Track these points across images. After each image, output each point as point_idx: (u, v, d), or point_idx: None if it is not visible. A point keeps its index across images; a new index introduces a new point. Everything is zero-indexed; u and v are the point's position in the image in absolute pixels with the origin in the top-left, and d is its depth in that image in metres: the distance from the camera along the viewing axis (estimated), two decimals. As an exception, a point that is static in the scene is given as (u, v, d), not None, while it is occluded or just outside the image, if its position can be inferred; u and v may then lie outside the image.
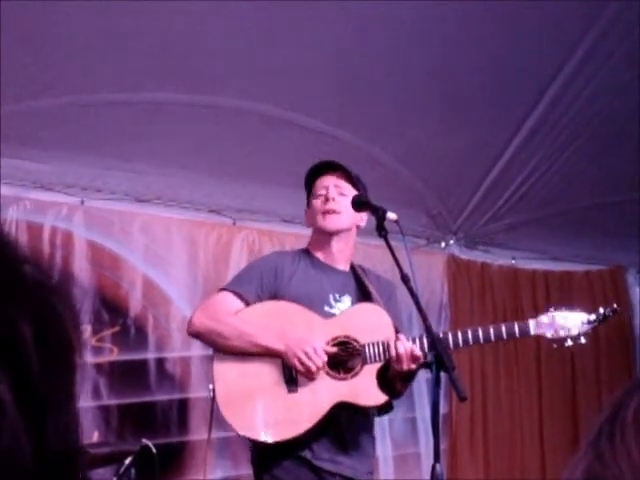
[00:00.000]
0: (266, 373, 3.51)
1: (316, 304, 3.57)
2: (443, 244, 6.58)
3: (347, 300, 3.64)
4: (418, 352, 3.41)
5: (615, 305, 3.73)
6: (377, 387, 3.49)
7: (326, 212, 3.64)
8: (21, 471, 0.57)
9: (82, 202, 5.40)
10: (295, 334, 3.49)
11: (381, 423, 5.97)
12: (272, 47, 4.79)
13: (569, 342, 3.68)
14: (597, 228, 6.30)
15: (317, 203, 3.67)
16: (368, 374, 3.49)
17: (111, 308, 5.36)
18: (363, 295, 3.67)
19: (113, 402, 5.28)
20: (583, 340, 3.69)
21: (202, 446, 5.49)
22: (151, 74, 4.83)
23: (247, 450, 3.69)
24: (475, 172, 5.96)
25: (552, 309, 3.70)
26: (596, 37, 4.85)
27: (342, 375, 3.50)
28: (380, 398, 3.50)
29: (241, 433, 3.48)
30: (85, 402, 5.04)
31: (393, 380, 3.54)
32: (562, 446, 6.57)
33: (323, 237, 3.69)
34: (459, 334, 3.58)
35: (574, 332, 3.68)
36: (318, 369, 3.45)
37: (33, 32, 4.45)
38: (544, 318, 3.70)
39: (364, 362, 3.49)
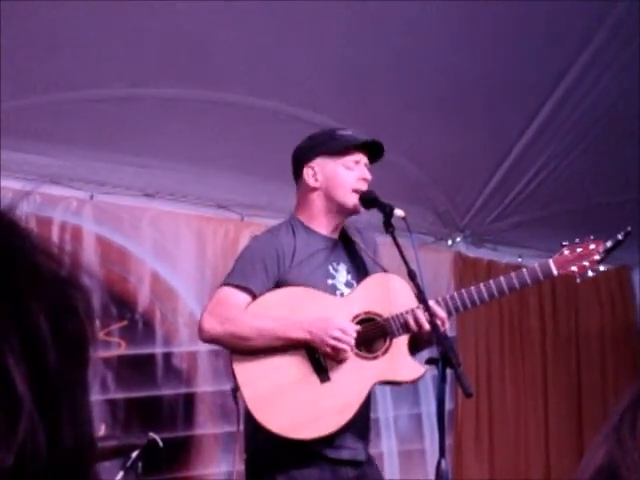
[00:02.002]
0: (292, 366, 3.32)
1: (320, 281, 3.43)
2: (450, 242, 6.59)
3: (342, 269, 3.50)
4: (442, 314, 3.29)
5: (629, 228, 3.62)
6: (412, 359, 3.38)
7: (359, 191, 3.47)
8: (36, 465, 0.57)
9: (91, 197, 5.41)
10: (315, 317, 3.32)
11: (386, 419, 5.99)
12: (281, 44, 4.81)
13: (590, 273, 3.58)
14: (603, 227, 6.28)
15: (349, 176, 3.48)
16: (399, 347, 3.36)
17: (119, 302, 5.38)
18: (355, 260, 3.55)
19: (120, 396, 5.30)
20: (602, 268, 3.61)
21: (208, 440, 5.52)
22: (161, 70, 4.85)
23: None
24: (483, 170, 5.97)
25: (564, 244, 3.58)
26: (604, 37, 4.86)
27: (373, 354, 3.36)
28: (418, 370, 3.38)
29: (283, 435, 3.24)
30: (92, 396, 5.02)
31: (427, 345, 3.42)
32: (567, 442, 6.59)
33: (335, 209, 3.52)
34: (482, 287, 3.42)
35: (596, 260, 3.57)
36: (352, 348, 3.29)
37: (44, 27, 4.47)
38: (564, 253, 3.56)
39: (392, 336, 3.35)
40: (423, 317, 3.28)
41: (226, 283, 3.42)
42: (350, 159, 3.50)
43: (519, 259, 6.78)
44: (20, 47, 4.47)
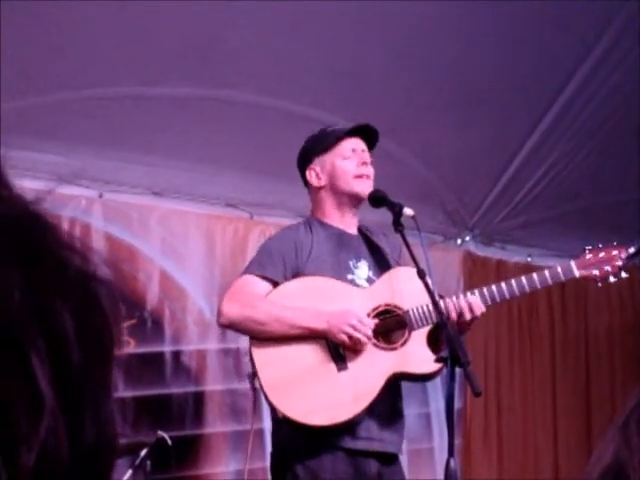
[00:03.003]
0: (311, 354, 3.34)
1: (338, 275, 3.44)
2: (459, 241, 6.58)
3: (364, 265, 3.51)
4: (480, 305, 3.35)
5: None
6: (430, 352, 3.36)
7: (363, 176, 3.51)
8: (58, 465, 0.56)
9: (100, 195, 5.42)
10: (333, 308, 3.34)
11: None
12: (290, 44, 4.81)
13: (612, 279, 3.59)
14: (613, 226, 6.28)
15: (348, 165, 3.51)
16: (418, 340, 3.37)
17: (128, 301, 5.38)
18: (377, 257, 3.57)
19: (129, 394, 5.30)
20: (624, 275, 3.62)
21: (217, 439, 5.53)
22: (170, 69, 4.85)
23: (261, 443, 3.56)
24: (492, 169, 5.96)
25: (588, 248, 3.60)
26: (613, 36, 4.86)
27: (391, 345, 3.37)
28: (435, 364, 3.33)
29: (298, 420, 3.25)
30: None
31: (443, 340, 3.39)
32: (575, 441, 6.57)
33: (345, 201, 3.55)
34: (503, 286, 3.47)
35: (618, 266, 3.58)
36: (368, 339, 3.31)
37: (54, 26, 4.48)
38: (586, 257, 3.58)
39: (411, 328, 3.36)
40: (450, 305, 3.31)
41: (246, 272, 3.46)
42: (345, 149, 3.55)
43: (528, 258, 6.78)
44: (29, 46, 4.48)
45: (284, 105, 5.17)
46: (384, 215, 3.55)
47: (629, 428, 0.99)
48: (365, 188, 3.51)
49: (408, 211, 3.39)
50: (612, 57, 5.01)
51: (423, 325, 3.38)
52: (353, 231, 3.61)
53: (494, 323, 6.50)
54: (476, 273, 6.55)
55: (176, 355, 5.52)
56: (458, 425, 6.05)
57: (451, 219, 6.40)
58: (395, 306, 3.42)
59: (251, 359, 3.39)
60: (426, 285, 3.21)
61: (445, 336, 3.15)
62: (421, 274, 3.22)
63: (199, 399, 5.53)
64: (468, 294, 3.42)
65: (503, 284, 3.49)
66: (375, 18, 4.71)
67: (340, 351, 3.35)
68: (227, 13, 4.58)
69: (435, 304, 3.22)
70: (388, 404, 3.40)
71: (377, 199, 3.47)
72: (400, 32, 4.82)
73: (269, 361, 3.35)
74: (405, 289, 3.43)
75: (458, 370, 3.04)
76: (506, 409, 6.52)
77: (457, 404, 5.74)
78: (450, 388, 3.02)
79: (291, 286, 3.41)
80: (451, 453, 3.04)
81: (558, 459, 6.59)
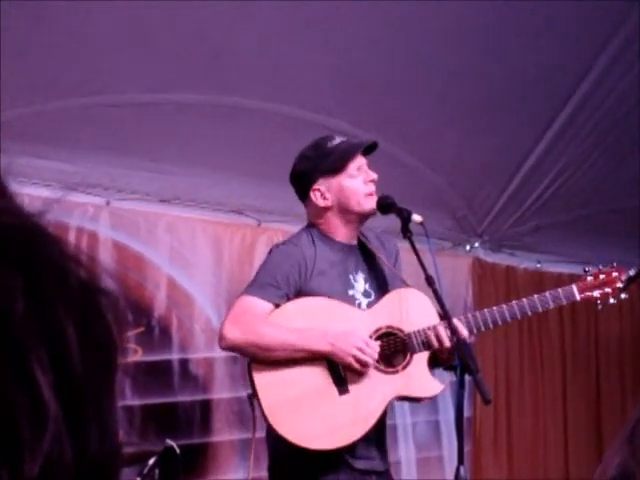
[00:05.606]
0: (312, 377, 3.32)
1: (340, 291, 3.42)
2: (468, 247, 6.56)
3: (360, 279, 3.48)
4: (464, 333, 3.29)
5: None
6: (431, 376, 3.37)
7: (372, 194, 3.46)
8: (63, 475, 0.56)
9: (108, 203, 5.41)
10: (338, 329, 3.32)
11: (404, 426, 5.96)
12: (297, 49, 4.81)
13: (611, 300, 3.61)
14: (624, 232, 6.26)
15: (357, 184, 3.45)
16: (419, 363, 3.36)
17: (136, 309, 5.37)
18: (373, 268, 3.54)
19: (137, 402, 5.30)
20: (623, 296, 3.63)
21: (225, 447, 5.51)
22: (177, 75, 4.85)
23: (266, 451, 3.54)
24: (501, 175, 5.95)
25: (589, 269, 3.62)
26: (623, 40, 4.84)
27: (392, 368, 3.36)
28: (436, 388, 3.39)
29: (300, 444, 3.23)
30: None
31: (446, 362, 3.39)
32: (585, 449, 6.56)
33: (354, 219, 3.50)
34: (504, 308, 3.44)
35: (618, 288, 3.60)
36: (374, 362, 3.30)
37: (60, 32, 4.47)
38: (587, 279, 3.60)
39: (413, 351, 3.34)
40: (445, 334, 3.27)
41: (248, 293, 3.40)
42: (351, 168, 3.48)
43: (537, 264, 6.76)
44: (37, 53, 4.48)
45: (292, 112, 5.16)
46: (392, 221, 3.53)
47: (636, 441, 0.97)
48: (374, 205, 3.47)
49: (417, 217, 3.38)
50: (620, 63, 5.00)
51: (425, 348, 3.36)
52: (354, 242, 3.57)
53: (504, 331, 6.47)
54: (485, 279, 6.53)
55: (183, 363, 5.51)
56: (468, 433, 6.03)
57: (460, 225, 6.39)
58: (397, 328, 3.40)
59: (251, 380, 3.35)
60: (435, 292, 3.19)
61: (455, 344, 3.14)
62: (429, 281, 3.20)
63: (207, 407, 5.52)
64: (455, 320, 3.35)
65: (505, 307, 3.46)
66: (382, 24, 4.70)
67: (341, 374, 3.33)
68: (234, 20, 4.57)
69: (444, 311, 3.20)
70: (380, 421, 3.38)
71: (385, 205, 3.45)
72: (408, 38, 4.81)
73: (270, 384, 3.32)
74: (407, 311, 3.41)
75: (468, 378, 3.02)
76: (516, 417, 6.50)
77: (467, 412, 5.72)
78: (460, 396, 3.01)
79: (292, 307, 3.38)
80: (461, 461, 3.04)
81: (568, 467, 6.58)
